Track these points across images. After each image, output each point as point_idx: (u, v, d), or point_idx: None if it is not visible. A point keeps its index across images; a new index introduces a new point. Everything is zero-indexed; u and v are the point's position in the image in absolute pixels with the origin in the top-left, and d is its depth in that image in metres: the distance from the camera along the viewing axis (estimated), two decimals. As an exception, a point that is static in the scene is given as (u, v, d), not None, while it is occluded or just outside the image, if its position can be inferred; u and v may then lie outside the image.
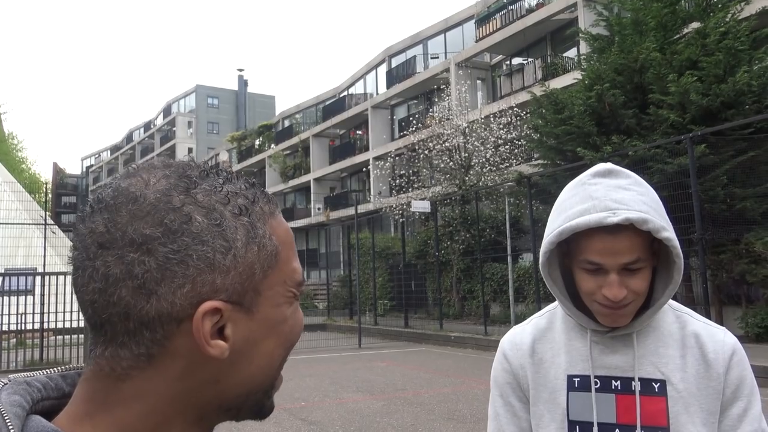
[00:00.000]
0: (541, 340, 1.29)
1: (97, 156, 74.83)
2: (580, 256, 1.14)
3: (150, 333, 0.52)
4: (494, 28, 23.12)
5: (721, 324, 1.25)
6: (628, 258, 1.10)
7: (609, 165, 1.19)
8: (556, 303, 1.30)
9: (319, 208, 32.25)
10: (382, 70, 32.24)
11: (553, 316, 1.31)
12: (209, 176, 0.56)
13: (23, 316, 11.85)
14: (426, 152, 19.28)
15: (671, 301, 1.26)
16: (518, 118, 17.76)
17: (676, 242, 1.11)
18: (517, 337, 1.32)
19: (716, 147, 10.33)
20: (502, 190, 16.07)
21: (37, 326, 11.68)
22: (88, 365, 0.55)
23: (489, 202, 18.00)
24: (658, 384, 1.17)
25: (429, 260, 18.17)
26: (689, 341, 1.20)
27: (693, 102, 10.68)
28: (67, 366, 0.60)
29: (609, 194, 1.12)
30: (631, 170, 1.21)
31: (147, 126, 65.38)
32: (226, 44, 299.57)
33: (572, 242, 1.16)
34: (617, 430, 1.17)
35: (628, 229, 1.09)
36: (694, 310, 1.30)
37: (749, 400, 1.16)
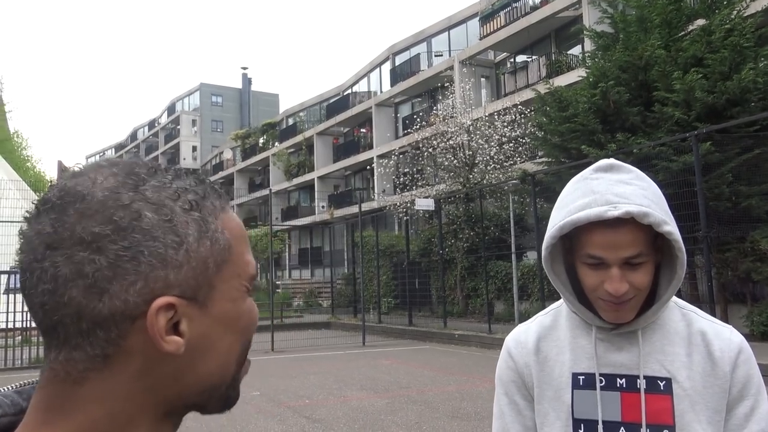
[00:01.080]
0: (546, 338, 1.28)
1: (101, 154, 75.10)
2: (581, 251, 1.14)
3: (104, 332, 0.51)
4: (498, 26, 23.08)
5: (727, 322, 1.24)
6: (629, 252, 1.10)
7: (611, 160, 1.19)
8: (561, 301, 1.29)
9: (323, 206, 32.28)
10: (386, 68, 32.22)
11: (558, 313, 1.31)
12: (157, 173, 0.55)
13: (28, 313, 11.89)
14: (430, 150, 19.25)
15: (677, 299, 1.26)
16: (522, 115, 17.72)
17: (678, 236, 1.11)
18: (521, 336, 1.32)
19: (721, 144, 10.28)
20: (506, 188, 16.03)
21: (42, 324, 11.72)
22: (42, 373, 0.53)
23: (493, 200, 17.97)
24: (664, 382, 1.16)
25: (433, 258, 18.16)
26: (695, 339, 1.19)
27: (698, 99, 10.64)
28: (21, 382, 0.59)
29: (610, 188, 1.12)
30: (635, 168, 1.20)
31: (151, 124, 65.54)
32: (230, 43, 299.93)
33: (574, 237, 1.15)
34: (622, 428, 1.16)
35: (629, 222, 1.09)
36: (700, 308, 1.29)
37: (756, 399, 1.15)
